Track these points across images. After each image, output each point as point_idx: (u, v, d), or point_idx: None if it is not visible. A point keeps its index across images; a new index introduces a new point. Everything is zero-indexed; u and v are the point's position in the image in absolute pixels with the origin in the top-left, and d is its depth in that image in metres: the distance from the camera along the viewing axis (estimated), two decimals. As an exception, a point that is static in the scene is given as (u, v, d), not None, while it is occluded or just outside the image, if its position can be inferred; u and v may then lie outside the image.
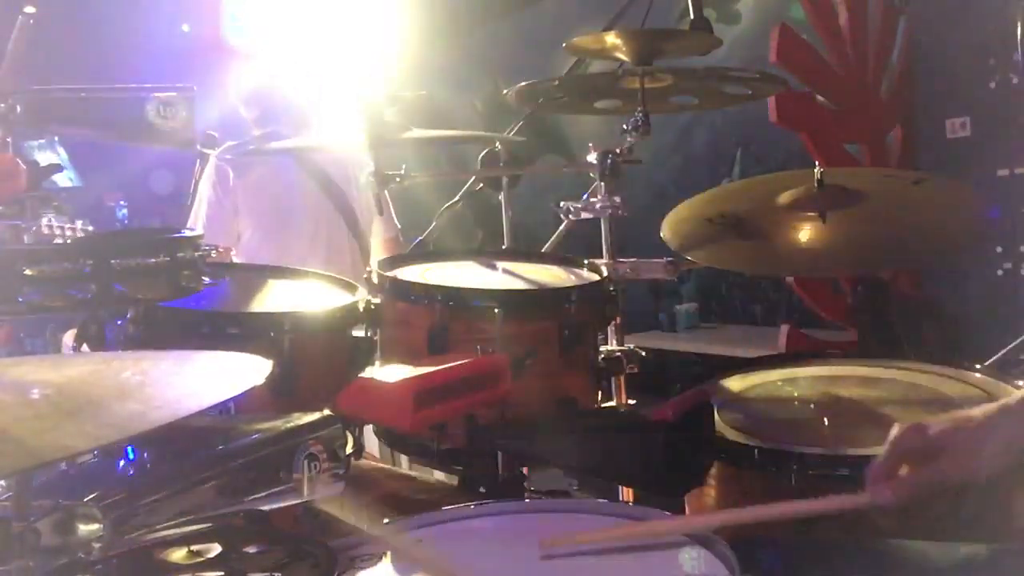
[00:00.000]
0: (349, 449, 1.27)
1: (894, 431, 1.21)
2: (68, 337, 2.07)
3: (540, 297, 1.78)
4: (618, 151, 1.99)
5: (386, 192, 2.44)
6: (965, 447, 1.20)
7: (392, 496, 1.80)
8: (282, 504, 1.16)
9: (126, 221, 5.36)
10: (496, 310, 1.65)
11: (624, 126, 1.92)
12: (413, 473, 2.11)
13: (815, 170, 1.87)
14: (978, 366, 1.75)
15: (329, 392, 1.47)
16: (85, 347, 1.48)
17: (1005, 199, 3.37)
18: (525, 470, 1.72)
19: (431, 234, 2.64)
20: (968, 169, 3.50)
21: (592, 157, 2.02)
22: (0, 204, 2.56)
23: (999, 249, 3.43)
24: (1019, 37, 2.93)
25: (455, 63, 5.22)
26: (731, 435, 1.53)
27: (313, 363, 1.70)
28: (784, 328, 3.50)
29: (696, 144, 5.00)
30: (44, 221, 2.54)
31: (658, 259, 2.00)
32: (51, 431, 0.80)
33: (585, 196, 2.08)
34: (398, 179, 2.17)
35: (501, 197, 2.38)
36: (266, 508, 1.15)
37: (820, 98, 3.52)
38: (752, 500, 1.20)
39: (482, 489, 1.68)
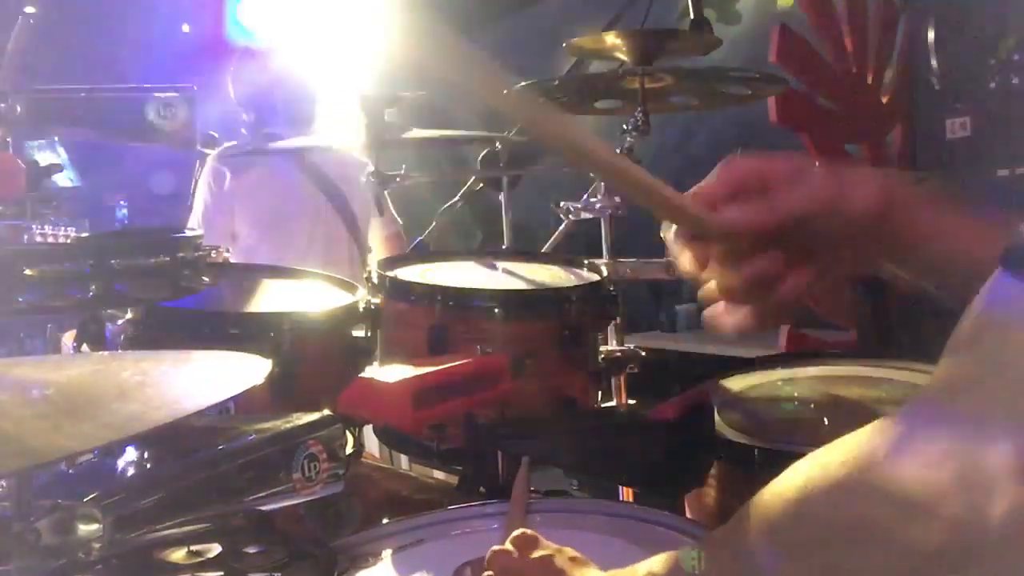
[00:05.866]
0: (349, 449, 1.27)
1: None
2: (68, 337, 2.08)
3: (540, 297, 1.78)
4: (618, 151, 1.99)
5: (385, 192, 2.45)
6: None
7: (392, 496, 1.80)
8: (282, 504, 1.15)
9: (126, 221, 5.36)
10: (496, 310, 1.65)
11: (624, 126, 1.92)
12: (413, 473, 2.11)
13: (815, 170, 1.87)
14: (978, 366, 1.74)
15: (329, 392, 1.47)
16: (85, 347, 1.48)
17: (1005, 199, 3.37)
18: (525, 470, 1.71)
19: (431, 234, 2.64)
20: (968, 169, 3.49)
21: (592, 157, 2.01)
22: (0, 204, 2.56)
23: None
24: (929, 41, 2.93)
25: (455, 63, 5.20)
26: (731, 435, 1.52)
27: (313, 363, 1.70)
28: (784, 328, 3.49)
29: (696, 144, 4.99)
30: (37, 228, 2.54)
31: (658, 259, 2.00)
32: (51, 431, 0.80)
33: (585, 196, 2.07)
34: (398, 179, 2.17)
35: (501, 197, 2.39)
36: (266, 508, 1.15)
37: (820, 98, 3.51)
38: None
39: (482, 489, 1.68)
